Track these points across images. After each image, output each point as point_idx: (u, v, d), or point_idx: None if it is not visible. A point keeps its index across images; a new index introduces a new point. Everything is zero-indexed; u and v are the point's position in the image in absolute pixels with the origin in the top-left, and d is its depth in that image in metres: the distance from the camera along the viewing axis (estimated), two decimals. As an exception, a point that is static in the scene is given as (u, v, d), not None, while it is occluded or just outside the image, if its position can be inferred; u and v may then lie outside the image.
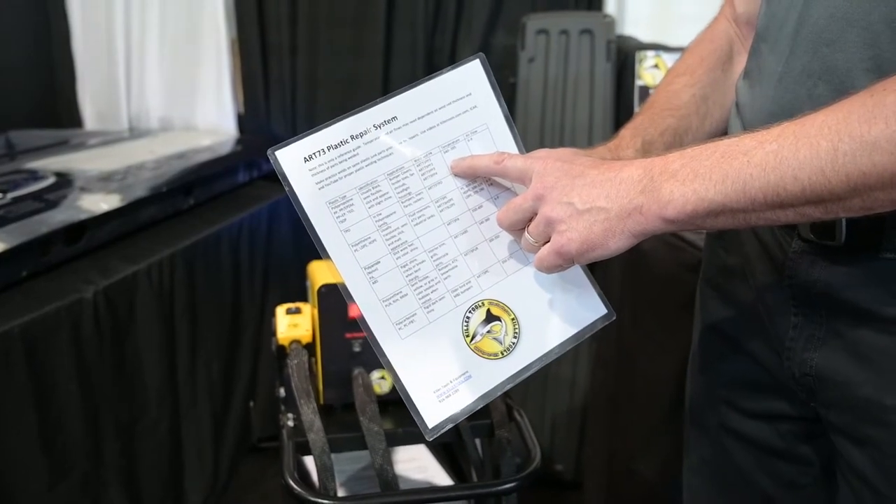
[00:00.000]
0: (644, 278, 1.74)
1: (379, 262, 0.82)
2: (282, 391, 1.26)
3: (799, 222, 0.70)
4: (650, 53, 2.22)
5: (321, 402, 1.22)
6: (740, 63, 1.01)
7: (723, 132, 0.99)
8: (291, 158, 0.81)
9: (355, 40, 2.66)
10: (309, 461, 1.30)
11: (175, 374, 1.91)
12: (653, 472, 1.67)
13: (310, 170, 0.81)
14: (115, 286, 1.65)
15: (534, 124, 2.29)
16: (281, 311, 1.30)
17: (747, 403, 0.97)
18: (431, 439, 0.81)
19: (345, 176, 0.82)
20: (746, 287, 0.94)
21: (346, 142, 0.83)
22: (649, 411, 1.68)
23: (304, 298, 1.36)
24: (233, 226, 2.22)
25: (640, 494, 1.76)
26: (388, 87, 2.64)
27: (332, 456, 1.10)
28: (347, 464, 1.44)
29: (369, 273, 0.82)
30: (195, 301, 1.99)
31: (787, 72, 0.80)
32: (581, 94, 2.26)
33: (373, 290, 0.81)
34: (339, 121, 0.83)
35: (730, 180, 0.68)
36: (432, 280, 0.84)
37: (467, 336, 0.84)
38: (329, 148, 0.82)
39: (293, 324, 1.27)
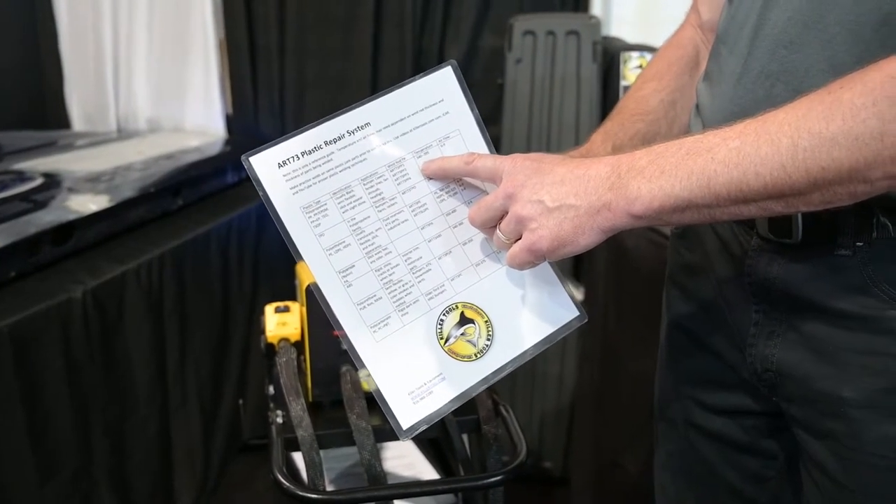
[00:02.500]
0: (628, 276, 1.76)
1: (353, 265, 0.83)
2: (271, 389, 1.27)
3: (762, 216, 0.72)
4: (634, 54, 2.23)
5: (310, 399, 1.23)
6: None
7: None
8: (265, 164, 0.82)
9: (343, 41, 2.68)
10: (298, 458, 1.31)
11: (164, 373, 1.91)
12: (638, 467, 1.68)
13: (284, 175, 0.82)
14: (103, 286, 1.66)
15: (521, 125, 2.30)
16: (270, 309, 1.31)
17: (711, 399, 0.99)
18: (406, 440, 0.82)
19: (319, 181, 0.83)
20: (708, 284, 0.96)
21: (320, 147, 0.84)
22: (634, 407, 1.70)
23: (294, 298, 1.36)
24: (221, 226, 2.23)
25: (626, 490, 1.78)
26: (375, 87, 2.66)
27: (322, 453, 1.11)
28: (336, 461, 1.45)
29: (344, 277, 0.82)
30: (184, 301, 1.99)
31: (745, 72, 0.82)
32: (568, 95, 2.27)
33: (347, 293, 0.82)
34: (312, 127, 0.84)
35: (695, 177, 0.69)
36: (406, 283, 0.85)
37: (441, 338, 0.85)
38: (303, 153, 0.83)
39: (282, 322, 1.28)
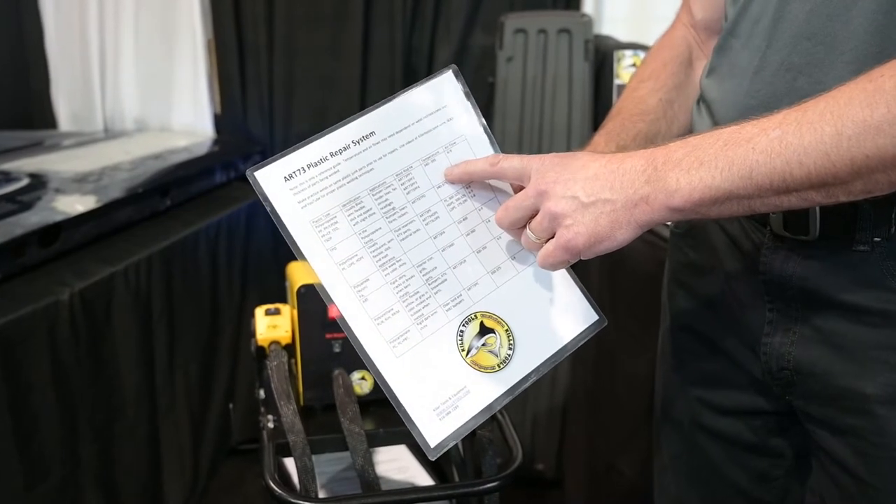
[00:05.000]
0: (623, 276, 1.75)
1: (368, 279, 0.81)
2: (261, 393, 1.25)
3: (800, 207, 0.71)
4: (628, 53, 2.23)
5: (301, 403, 1.21)
6: (699, 67, 1.03)
7: (687, 134, 1.00)
8: (271, 178, 0.80)
9: (333, 40, 2.66)
10: (289, 463, 1.30)
11: (153, 376, 1.89)
12: (634, 470, 1.67)
13: (291, 189, 0.80)
14: (91, 288, 1.63)
15: (512, 124, 2.29)
16: (260, 312, 1.29)
17: (720, 399, 0.98)
18: (434, 458, 0.79)
19: (327, 194, 0.81)
20: (715, 283, 0.95)
21: (326, 159, 0.82)
22: (630, 409, 1.69)
23: (283, 299, 1.35)
24: (210, 227, 2.21)
25: (621, 492, 1.77)
26: (366, 86, 2.64)
27: (313, 457, 1.09)
28: (328, 465, 1.43)
29: (359, 291, 0.80)
30: (173, 303, 1.97)
31: (763, 66, 0.82)
32: (559, 94, 2.26)
33: (364, 308, 0.80)
34: (317, 138, 0.82)
35: (735, 167, 0.68)
36: (423, 295, 0.83)
37: (462, 350, 0.83)
38: (309, 166, 0.81)
39: (272, 325, 1.26)
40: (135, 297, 1.80)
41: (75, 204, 1.76)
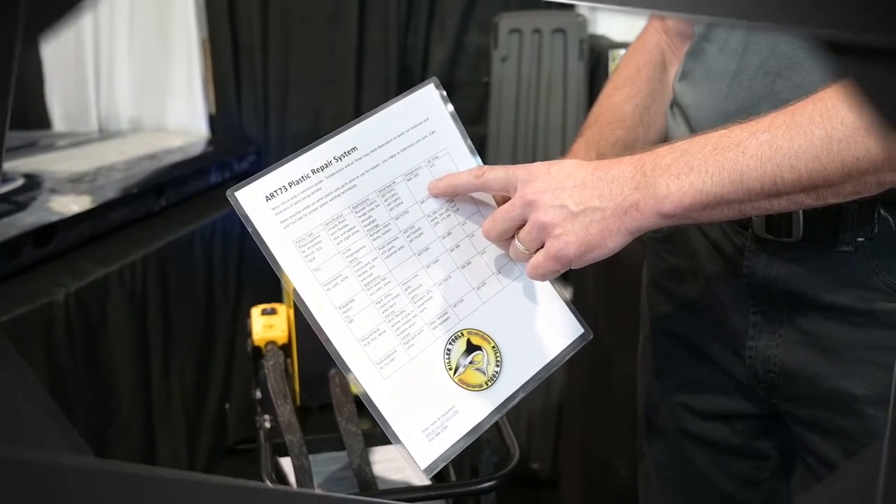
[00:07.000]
0: (620, 277, 1.75)
1: (353, 299, 0.79)
2: (258, 393, 1.25)
3: (789, 210, 0.71)
4: (623, 52, 2.22)
5: (298, 402, 1.21)
6: (673, 72, 1.03)
7: (664, 139, 1.00)
8: (252, 198, 0.78)
9: (328, 39, 2.65)
10: (286, 463, 1.30)
11: (148, 376, 1.89)
12: (630, 470, 1.67)
13: (273, 209, 0.78)
14: (86, 289, 1.63)
15: (507, 123, 2.29)
16: (256, 312, 1.29)
17: (704, 404, 0.98)
18: (427, 479, 0.78)
19: (309, 212, 0.80)
20: (696, 287, 0.94)
21: (308, 177, 0.80)
22: (626, 409, 1.69)
23: (278, 299, 1.35)
24: (205, 227, 2.20)
25: (618, 492, 1.77)
26: (360, 86, 2.63)
27: (310, 457, 1.09)
28: (325, 465, 1.43)
29: (344, 312, 0.79)
30: (168, 303, 1.97)
31: (741, 70, 0.81)
32: (554, 93, 2.26)
33: (350, 329, 0.78)
34: (298, 156, 0.81)
35: (726, 172, 0.68)
36: (409, 314, 0.81)
37: (450, 369, 0.81)
38: (291, 184, 0.79)
39: (269, 325, 1.26)
40: (130, 297, 1.80)
41: (70, 204, 1.76)
